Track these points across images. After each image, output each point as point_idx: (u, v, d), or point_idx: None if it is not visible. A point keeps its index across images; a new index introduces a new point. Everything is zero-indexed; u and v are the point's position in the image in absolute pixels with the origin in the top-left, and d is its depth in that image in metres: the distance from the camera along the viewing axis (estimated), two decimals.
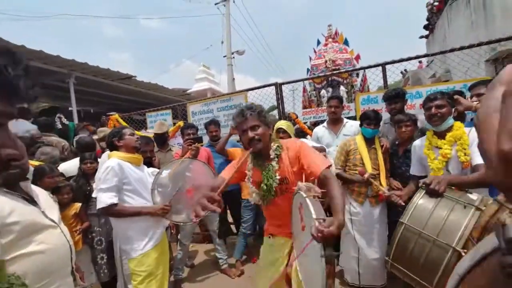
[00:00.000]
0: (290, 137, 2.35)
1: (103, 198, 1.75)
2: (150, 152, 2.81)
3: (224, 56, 11.45)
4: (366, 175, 2.20)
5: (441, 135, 1.79)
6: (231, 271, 2.92)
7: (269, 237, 1.67)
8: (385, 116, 2.72)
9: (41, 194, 0.99)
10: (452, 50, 2.95)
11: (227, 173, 1.53)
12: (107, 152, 2.27)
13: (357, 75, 6.37)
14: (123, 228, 1.86)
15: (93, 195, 1.88)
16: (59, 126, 4.26)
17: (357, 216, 2.34)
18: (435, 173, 1.74)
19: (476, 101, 2.04)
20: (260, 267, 1.72)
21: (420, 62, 9.70)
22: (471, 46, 2.82)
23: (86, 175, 2.47)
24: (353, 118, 3.18)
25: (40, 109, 5.97)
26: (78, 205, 2.37)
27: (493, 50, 3.98)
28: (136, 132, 2.75)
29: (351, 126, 2.79)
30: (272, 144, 1.51)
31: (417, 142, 1.97)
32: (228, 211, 3.43)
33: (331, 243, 0.93)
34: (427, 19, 8.28)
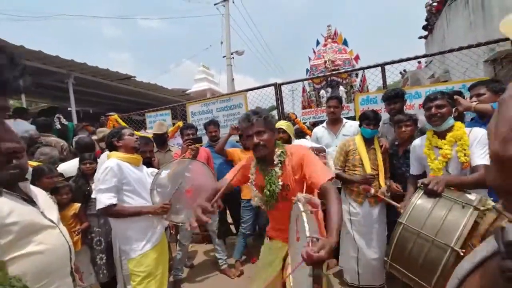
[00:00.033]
0: (290, 137, 2.35)
1: (102, 199, 1.75)
2: (149, 152, 2.80)
3: (223, 57, 11.45)
4: (372, 191, 2.21)
5: (441, 135, 1.78)
6: (230, 271, 2.92)
7: (269, 239, 1.70)
8: (385, 116, 2.72)
9: (40, 194, 0.99)
10: (451, 51, 2.96)
11: (230, 175, 1.58)
12: (106, 153, 2.27)
13: (356, 75, 6.38)
14: (122, 229, 1.86)
15: (93, 195, 1.87)
16: (58, 126, 4.26)
17: (357, 216, 2.34)
18: (435, 173, 1.73)
19: (475, 101, 2.03)
20: (258, 267, 1.73)
21: (419, 62, 9.73)
22: (469, 47, 2.83)
23: (86, 176, 2.47)
24: (353, 118, 3.19)
25: (39, 110, 5.96)
26: (77, 205, 2.36)
27: (491, 51, 3.99)
28: (136, 132, 2.75)
29: (351, 126, 2.80)
30: (276, 150, 1.50)
31: (417, 142, 1.96)
32: (228, 212, 3.43)
33: (321, 265, 0.93)
34: (426, 20, 8.30)
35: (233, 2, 11.73)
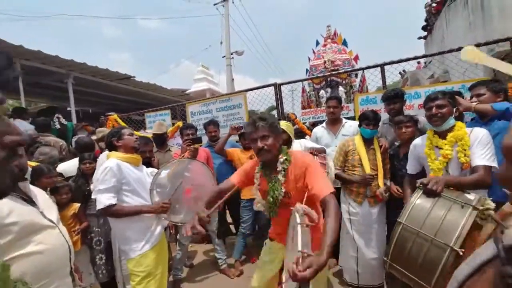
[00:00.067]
0: (290, 137, 2.35)
1: (102, 199, 1.75)
2: (149, 152, 2.80)
3: (223, 57, 11.45)
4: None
5: (441, 135, 1.76)
6: (230, 271, 2.92)
7: (270, 240, 1.74)
8: (384, 116, 2.73)
9: (39, 194, 0.99)
10: (450, 51, 2.96)
11: (235, 177, 1.62)
12: (105, 152, 2.27)
13: (356, 75, 6.38)
14: (122, 229, 1.86)
15: (93, 196, 1.87)
16: (58, 126, 4.25)
17: (356, 216, 2.34)
18: (435, 173, 1.72)
19: (475, 102, 2.03)
20: (259, 264, 1.76)
21: (418, 62, 9.74)
22: None
23: (85, 175, 2.46)
24: (352, 118, 3.19)
25: (38, 109, 5.96)
26: (76, 205, 2.36)
27: (491, 51, 3.99)
28: (135, 132, 2.75)
29: (350, 127, 2.80)
30: (280, 156, 1.50)
31: (417, 141, 1.94)
32: (227, 211, 3.43)
33: (307, 283, 0.95)
34: (426, 20, 8.30)
35: (233, 2, 11.74)
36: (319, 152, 2.11)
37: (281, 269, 1.58)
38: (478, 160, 1.59)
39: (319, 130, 2.94)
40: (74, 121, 6.22)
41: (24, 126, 3.33)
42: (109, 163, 1.81)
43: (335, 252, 2.72)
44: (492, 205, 1.33)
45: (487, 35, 4.03)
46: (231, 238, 3.64)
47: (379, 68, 3.23)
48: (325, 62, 6.52)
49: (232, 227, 3.69)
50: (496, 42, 2.79)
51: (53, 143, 3.23)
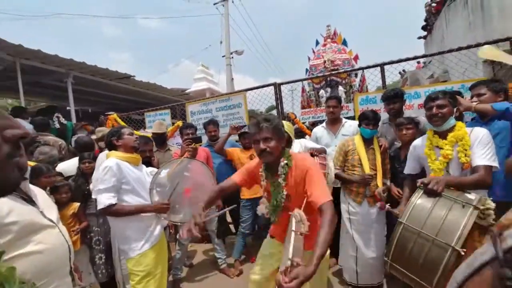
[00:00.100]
0: (290, 137, 2.35)
1: (102, 199, 1.75)
2: (149, 151, 2.80)
3: (223, 56, 11.45)
4: (383, 207, 2.18)
5: (442, 135, 1.75)
6: (230, 270, 2.92)
7: (270, 237, 1.76)
8: (384, 116, 2.73)
9: (39, 194, 0.99)
10: (450, 51, 2.96)
11: (237, 176, 1.65)
12: (105, 152, 2.26)
13: (356, 75, 6.38)
14: (121, 228, 1.86)
15: (93, 196, 1.87)
16: (57, 125, 4.25)
17: (356, 216, 2.35)
18: (436, 174, 1.72)
19: (476, 101, 2.02)
20: (258, 259, 1.78)
21: (418, 62, 9.74)
22: (469, 47, 2.83)
23: (85, 175, 2.46)
24: (352, 118, 3.19)
25: (38, 109, 5.95)
26: (76, 204, 2.36)
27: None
28: (135, 132, 2.75)
29: (350, 126, 2.80)
30: (281, 160, 1.50)
31: (417, 142, 1.93)
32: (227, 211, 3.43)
33: None
34: (425, 20, 8.31)
35: (233, 2, 11.73)
36: (319, 153, 2.11)
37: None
38: (478, 160, 1.58)
39: (319, 130, 2.94)
40: (74, 120, 6.21)
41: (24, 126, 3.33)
42: (108, 162, 1.80)
43: (334, 251, 2.72)
44: (492, 205, 1.33)
45: (487, 35, 4.03)
46: (230, 237, 3.64)
47: (378, 68, 3.23)
48: (325, 61, 6.52)
49: (231, 226, 3.69)
50: (496, 42, 2.79)
51: (52, 142, 3.22)
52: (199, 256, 3.50)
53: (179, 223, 2.08)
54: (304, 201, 1.35)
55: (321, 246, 1.12)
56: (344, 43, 6.82)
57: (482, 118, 1.99)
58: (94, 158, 2.54)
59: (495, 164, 1.57)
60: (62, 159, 2.97)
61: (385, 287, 2.35)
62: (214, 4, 11.24)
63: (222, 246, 3.04)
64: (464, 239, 1.19)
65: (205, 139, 3.28)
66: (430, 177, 1.60)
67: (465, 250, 1.16)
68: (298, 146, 2.48)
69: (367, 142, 2.35)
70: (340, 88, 6.58)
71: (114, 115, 4.64)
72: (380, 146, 2.34)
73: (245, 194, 2.94)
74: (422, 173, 1.91)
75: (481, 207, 1.26)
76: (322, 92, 6.66)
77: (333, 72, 5.62)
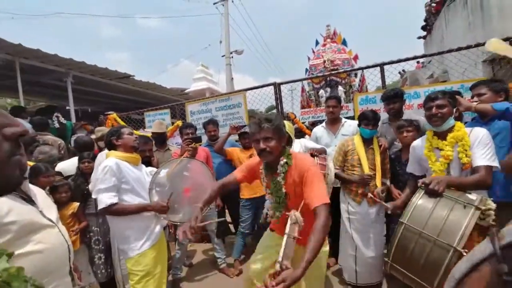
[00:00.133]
0: (290, 136, 2.35)
1: (103, 199, 1.75)
2: (148, 151, 2.80)
3: (222, 56, 11.46)
4: (369, 196, 2.22)
5: (441, 136, 1.75)
6: (229, 270, 2.92)
7: (271, 230, 1.79)
8: (383, 116, 2.73)
9: (39, 193, 0.99)
10: (449, 51, 2.96)
11: (239, 172, 1.68)
12: (104, 152, 2.26)
13: (356, 75, 6.38)
14: (121, 228, 1.86)
15: (93, 196, 1.87)
16: (57, 125, 4.24)
17: (355, 215, 2.35)
18: (437, 174, 1.70)
19: (476, 101, 2.02)
20: (258, 249, 1.80)
21: (418, 62, 9.76)
22: (468, 47, 2.83)
23: (84, 175, 2.46)
24: (352, 118, 3.19)
25: (37, 108, 5.94)
26: (75, 204, 2.35)
27: (490, 51, 4.00)
28: (135, 131, 2.75)
29: (350, 126, 2.80)
30: (281, 158, 1.50)
31: (417, 142, 1.93)
32: (227, 211, 3.43)
33: None
34: (425, 20, 8.32)
35: (233, 2, 11.73)
36: (319, 153, 2.11)
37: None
38: (479, 161, 1.58)
39: (319, 130, 2.94)
40: (73, 120, 6.21)
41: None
42: (108, 162, 1.80)
43: (334, 251, 2.72)
44: (493, 205, 1.33)
45: (486, 35, 4.03)
46: (230, 237, 3.64)
47: (378, 68, 3.23)
48: (324, 61, 6.51)
49: (231, 226, 3.69)
50: None
51: (52, 142, 3.22)
52: (199, 255, 3.50)
53: (178, 223, 2.07)
54: (302, 202, 1.35)
55: (311, 251, 1.14)
56: (344, 43, 6.82)
57: (482, 118, 1.99)
58: (94, 158, 2.54)
59: (496, 164, 1.57)
60: (61, 159, 2.97)
61: (385, 287, 2.36)
62: (214, 3, 11.25)
63: (222, 245, 3.04)
64: (466, 239, 1.18)
65: (204, 139, 3.27)
66: (431, 177, 1.59)
67: (466, 250, 1.16)
68: (298, 146, 2.48)
69: (367, 142, 2.35)
70: (340, 88, 6.57)
71: (113, 115, 4.63)
72: (380, 146, 2.34)
73: (245, 194, 2.94)
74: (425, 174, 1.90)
75: (483, 208, 1.26)
76: (321, 92, 6.65)
77: (333, 72, 5.62)
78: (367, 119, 2.29)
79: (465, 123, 1.97)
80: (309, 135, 3.25)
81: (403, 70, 9.10)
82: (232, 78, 11.41)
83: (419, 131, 2.24)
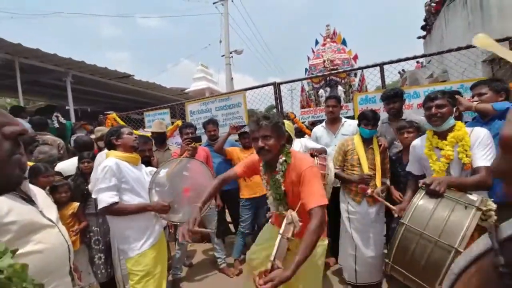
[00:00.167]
0: (290, 136, 2.35)
1: (104, 198, 1.74)
2: (148, 151, 2.80)
3: (222, 56, 11.46)
4: (369, 191, 2.22)
5: (441, 135, 1.74)
6: (229, 270, 2.92)
7: (272, 224, 1.80)
8: (383, 116, 2.73)
9: (39, 193, 0.98)
10: (449, 51, 2.96)
11: (239, 168, 1.70)
12: (103, 152, 2.26)
13: (355, 75, 6.38)
14: (121, 228, 1.85)
15: (93, 195, 1.87)
16: (56, 125, 4.24)
17: (355, 215, 2.35)
18: (438, 174, 1.70)
19: (476, 101, 2.01)
20: (257, 240, 1.81)
21: (417, 62, 9.76)
22: (468, 47, 2.83)
23: (84, 174, 2.46)
24: (351, 118, 3.19)
25: (37, 108, 5.93)
26: (75, 204, 2.35)
27: (489, 51, 4.00)
28: (134, 131, 2.75)
29: (350, 126, 2.80)
30: (280, 156, 1.50)
31: (416, 142, 1.93)
32: (227, 211, 3.43)
33: None
34: (425, 20, 8.33)
35: (232, 1, 11.74)
36: (319, 153, 2.11)
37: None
38: (479, 161, 1.58)
39: (319, 130, 2.94)
40: (73, 120, 6.20)
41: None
42: (108, 162, 1.80)
43: (334, 250, 2.73)
44: (494, 206, 1.33)
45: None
46: (230, 237, 3.64)
47: (378, 68, 3.23)
48: (324, 61, 6.51)
49: (231, 226, 3.68)
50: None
51: (51, 141, 3.22)
52: (199, 255, 3.50)
53: (178, 223, 2.07)
54: (299, 202, 1.36)
55: (302, 253, 1.15)
56: (344, 42, 6.82)
57: (483, 118, 1.98)
58: (93, 158, 2.54)
59: None
60: (60, 159, 2.97)
61: (385, 286, 2.36)
62: (214, 3, 11.24)
63: (222, 245, 3.04)
64: (467, 240, 1.18)
65: (204, 138, 3.27)
66: (432, 177, 1.59)
67: None
68: (298, 145, 2.48)
69: (366, 142, 2.35)
70: (340, 87, 6.57)
71: (113, 115, 4.62)
72: (380, 146, 2.34)
73: (245, 194, 2.94)
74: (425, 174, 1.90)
75: (483, 208, 1.26)
76: (321, 91, 6.65)
77: (333, 72, 5.62)
78: (367, 119, 2.29)
79: (465, 122, 1.97)
80: (309, 135, 3.25)
81: (403, 70, 9.11)
82: (232, 78, 11.41)
83: (419, 132, 2.24)
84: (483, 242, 0.43)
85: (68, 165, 2.70)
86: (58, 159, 2.89)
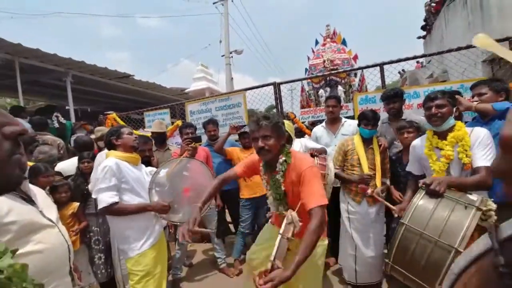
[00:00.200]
0: (290, 136, 2.36)
1: (104, 198, 1.74)
2: (148, 151, 2.80)
3: (222, 56, 11.46)
4: (369, 191, 2.22)
5: (441, 135, 1.74)
6: (229, 270, 2.92)
7: (272, 224, 1.80)
8: (383, 115, 2.73)
9: (39, 193, 0.98)
10: (449, 51, 2.96)
11: (239, 167, 1.70)
12: (103, 152, 2.26)
13: (355, 75, 6.38)
14: (121, 228, 1.85)
15: (93, 195, 1.87)
16: (56, 125, 4.24)
17: (355, 215, 2.35)
18: (438, 174, 1.70)
19: (476, 101, 2.01)
20: (257, 239, 1.81)
21: (417, 62, 9.76)
22: (468, 47, 2.83)
23: (84, 174, 2.46)
24: (351, 118, 3.19)
25: (37, 108, 5.94)
26: (75, 204, 2.35)
27: (489, 51, 4.00)
28: (134, 131, 2.75)
29: (350, 126, 2.80)
30: (280, 156, 1.50)
31: (416, 142, 1.92)
32: (227, 211, 3.43)
33: None
34: (425, 20, 8.33)
35: (232, 1, 11.75)
36: (319, 153, 2.11)
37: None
38: (479, 161, 1.57)
39: (319, 130, 2.94)
40: (73, 120, 6.20)
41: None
42: (108, 162, 1.80)
43: (334, 250, 2.73)
44: (494, 206, 1.32)
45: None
46: (230, 237, 3.64)
47: (378, 68, 3.23)
48: (324, 61, 6.51)
49: (231, 226, 3.69)
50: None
51: (51, 141, 3.22)
52: (199, 255, 3.50)
53: (178, 223, 2.07)
54: (299, 202, 1.36)
55: (302, 253, 1.16)
56: (344, 42, 6.82)
57: (483, 118, 1.98)
58: (93, 158, 2.54)
59: None
60: (60, 159, 2.97)
61: (385, 286, 2.36)
62: (214, 3, 11.24)
63: (222, 245, 3.04)
64: (468, 240, 1.18)
65: (204, 138, 3.27)
66: (432, 177, 1.59)
67: None
68: (298, 145, 2.48)
69: (366, 142, 2.35)
70: (340, 87, 6.57)
71: (113, 115, 4.62)
72: (380, 146, 2.34)
73: (245, 194, 2.95)
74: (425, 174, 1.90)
75: (483, 208, 1.26)
76: (321, 91, 6.65)
77: (333, 72, 5.62)
78: (367, 119, 2.29)
79: (466, 122, 1.97)
80: (309, 135, 3.25)
81: (403, 70, 9.11)
82: (232, 78, 11.41)
83: (419, 132, 2.24)
84: (483, 242, 0.43)
85: (68, 165, 2.70)
86: (58, 159, 2.89)
